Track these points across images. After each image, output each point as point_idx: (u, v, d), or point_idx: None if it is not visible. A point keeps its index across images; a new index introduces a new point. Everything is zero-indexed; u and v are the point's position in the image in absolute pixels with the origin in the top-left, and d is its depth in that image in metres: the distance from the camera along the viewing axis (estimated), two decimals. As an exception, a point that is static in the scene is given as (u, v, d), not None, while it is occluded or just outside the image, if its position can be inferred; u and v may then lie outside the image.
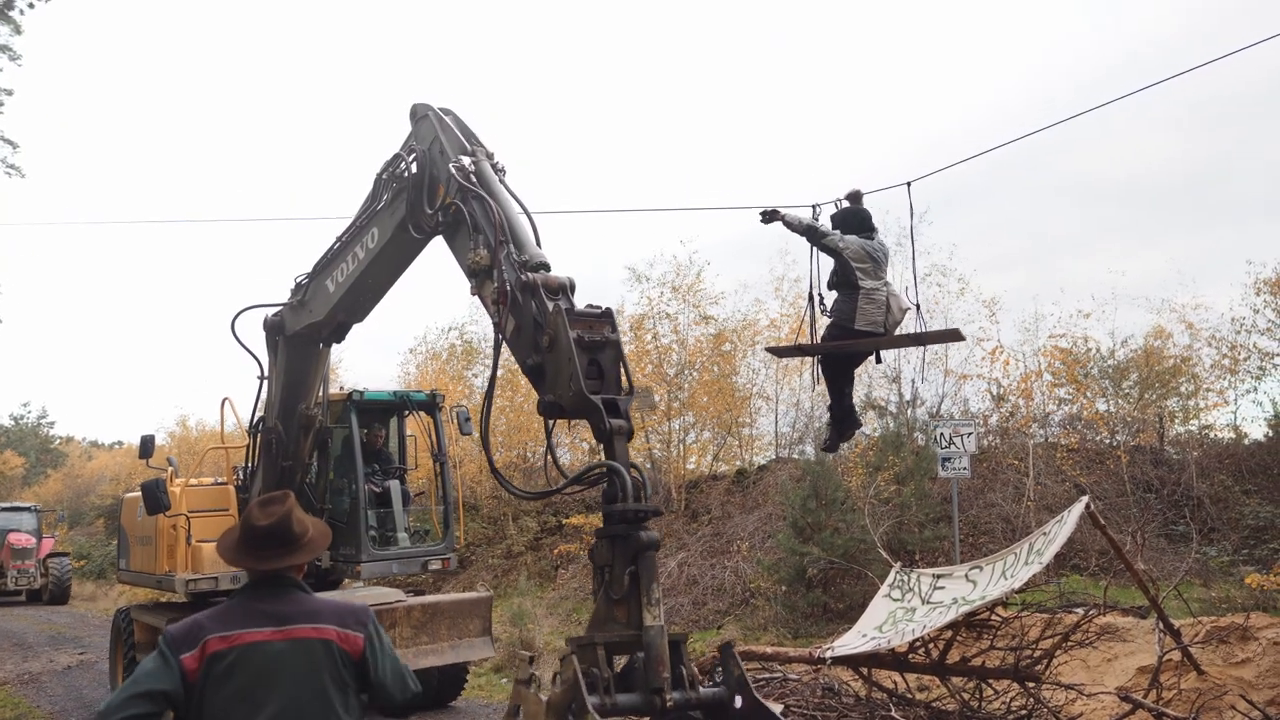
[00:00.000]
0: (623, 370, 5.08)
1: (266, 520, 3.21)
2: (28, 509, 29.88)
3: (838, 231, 7.27)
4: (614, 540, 4.59)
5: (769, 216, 7.33)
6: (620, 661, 4.54)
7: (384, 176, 7.15)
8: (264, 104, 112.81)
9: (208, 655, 3.01)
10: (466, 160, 6.15)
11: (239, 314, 8.99)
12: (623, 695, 4.29)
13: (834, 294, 7.34)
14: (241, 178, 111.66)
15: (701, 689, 4.48)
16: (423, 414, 11.21)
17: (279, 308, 9.06)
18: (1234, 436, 18.14)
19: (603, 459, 4.85)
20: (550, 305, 5.14)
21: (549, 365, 5.07)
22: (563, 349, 4.92)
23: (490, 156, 6.34)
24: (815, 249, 7.47)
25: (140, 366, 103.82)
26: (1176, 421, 18.33)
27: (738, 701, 4.49)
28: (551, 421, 5.34)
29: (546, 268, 5.47)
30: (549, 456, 5.45)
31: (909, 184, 7.59)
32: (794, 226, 7.33)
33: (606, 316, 5.15)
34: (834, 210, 7.58)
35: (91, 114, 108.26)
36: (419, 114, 6.83)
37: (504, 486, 5.78)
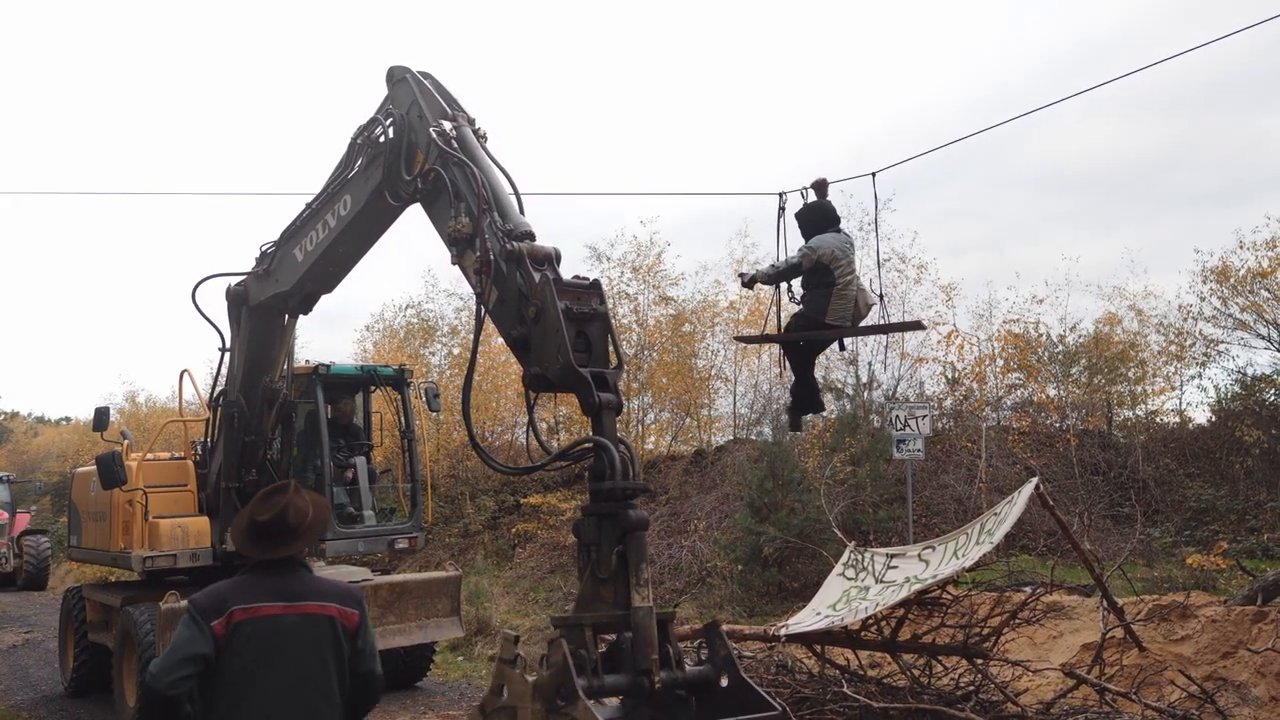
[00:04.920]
0: (611, 343, 4.98)
1: (267, 515, 3.56)
2: None
3: (807, 248, 7.25)
4: (601, 519, 4.51)
5: (749, 283, 7.56)
6: (605, 639, 4.52)
7: (358, 141, 6.94)
8: (222, 67, 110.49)
9: (233, 624, 3.40)
10: (447, 125, 6.00)
11: (200, 283, 8.80)
12: (610, 676, 4.27)
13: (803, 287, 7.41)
14: (193, 145, 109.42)
15: (688, 667, 4.46)
16: (390, 390, 11.05)
17: (243, 277, 8.83)
18: (1179, 421, 18.59)
19: (585, 433, 4.80)
20: (536, 275, 5.01)
21: (535, 337, 4.95)
22: (550, 320, 4.80)
23: (471, 122, 6.19)
24: (784, 237, 7.55)
25: (87, 341, 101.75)
26: (1124, 407, 18.75)
27: (724, 680, 4.49)
28: (533, 396, 5.19)
29: (531, 237, 5.34)
30: (529, 431, 5.36)
31: (874, 174, 7.66)
32: (770, 278, 7.41)
33: (595, 288, 5.05)
34: (799, 200, 7.62)
35: (32, 77, 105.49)
36: (396, 77, 6.64)
37: (486, 461, 5.69)
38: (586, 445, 4.75)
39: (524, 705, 4.10)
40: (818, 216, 7.39)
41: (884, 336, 18.04)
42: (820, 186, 7.56)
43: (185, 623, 3.42)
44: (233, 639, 3.38)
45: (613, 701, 4.38)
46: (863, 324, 7.47)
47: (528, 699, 4.07)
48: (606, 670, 4.29)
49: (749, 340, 9.29)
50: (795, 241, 7.48)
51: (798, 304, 7.44)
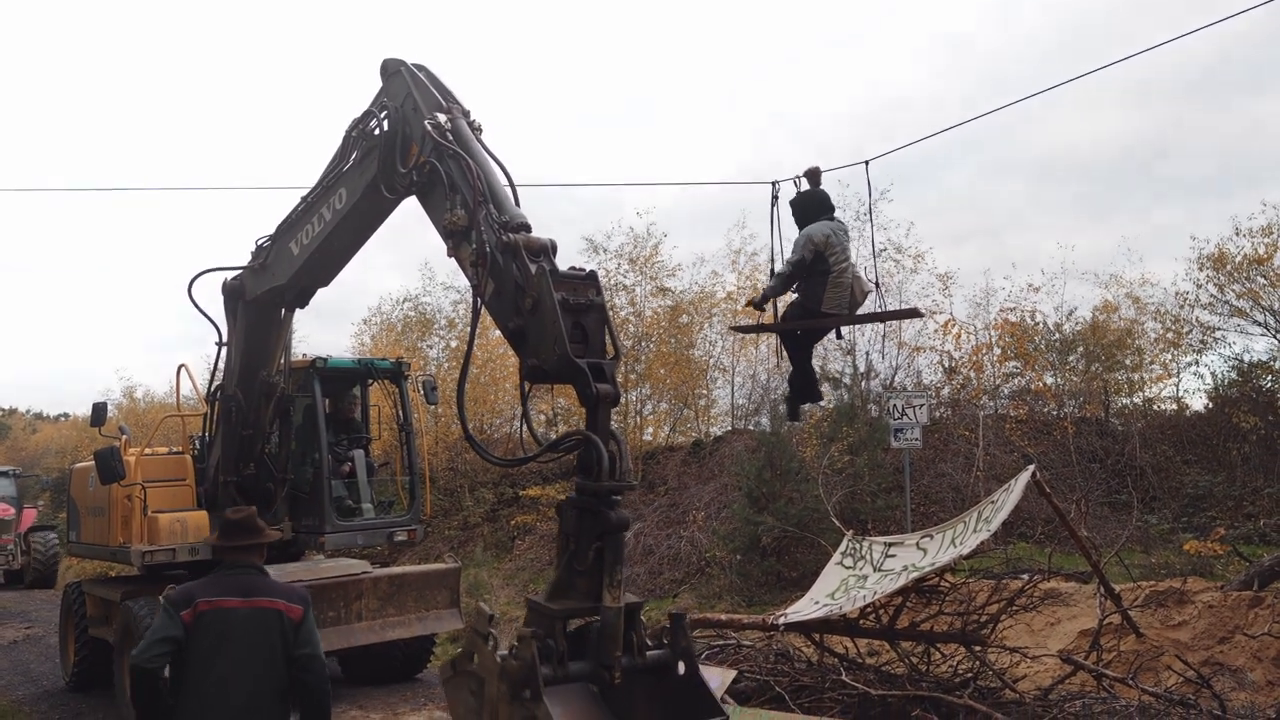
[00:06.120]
0: (608, 334, 4.97)
1: (239, 515, 4.63)
2: (4, 473, 24.87)
3: (803, 237, 7.22)
4: (582, 513, 4.53)
5: (761, 304, 7.49)
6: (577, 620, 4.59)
7: (353, 134, 6.90)
8: (221, 63, 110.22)
9: (198, 613, 4.29)
10: (442, 117, 5.97)
11: (196, 277, 8.76)
12: (575, 664, 4.35)
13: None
14: (188, 141, 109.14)
15: (648, 653, 4.52)
16: (387, 383, 10.99)
17: (239, 272, 8.78)
18: (1176, 408, 18.64)
19: (582, 425, 4.80)
20: (533, 267, 4.99)
21: (531, 329, 4.95)
22: (547, 312, 4.80)
23: (466, 114, 6.15)
24: (778, 227, 7.55)
25: (85, 337, 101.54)
26: (1121, 394, 18.78)
27: (681, 668, 4.55)
28: (528, 387, 5.18)
29: (527, 228, 5.31)
30: (524, 423, 5.35)
31: (867, 163, 7.65)
32: (777, 288, 7.39)
33: (591, 279, 5.03)
34: (793, 189, 7.59)
35: (31, 73, 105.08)
36: (391, 69, 6.60)
37: (479, 453, 5.69)
38: (579, 437, 4.76)
39: (491, 680, 4.20)
40: (811, 205, 7.37)
41: (881, 326, 18.08)
42: (813, 175, 7.53)
43: (161, 613, 4.35)
44: (197, 625, 4.28)
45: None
46: (859, 312, 7.47)
47: (494, 677, 4.17)
48: (573, 654, 4.38)
49: (746, 330, 9.30)
50: (790, 231, 7.48)
51: (794, 293, 7.43)
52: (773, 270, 7.68)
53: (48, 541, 22.72)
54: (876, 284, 7.53)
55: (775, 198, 7.56)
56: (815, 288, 7.16)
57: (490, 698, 4.21)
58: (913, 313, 8.72)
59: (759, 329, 8.54)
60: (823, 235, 7.11)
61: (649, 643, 4.58)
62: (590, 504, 4.54)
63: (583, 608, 4.47)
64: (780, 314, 7.65)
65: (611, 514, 4.48)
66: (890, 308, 10.21)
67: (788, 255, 7.35)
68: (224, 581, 4.46)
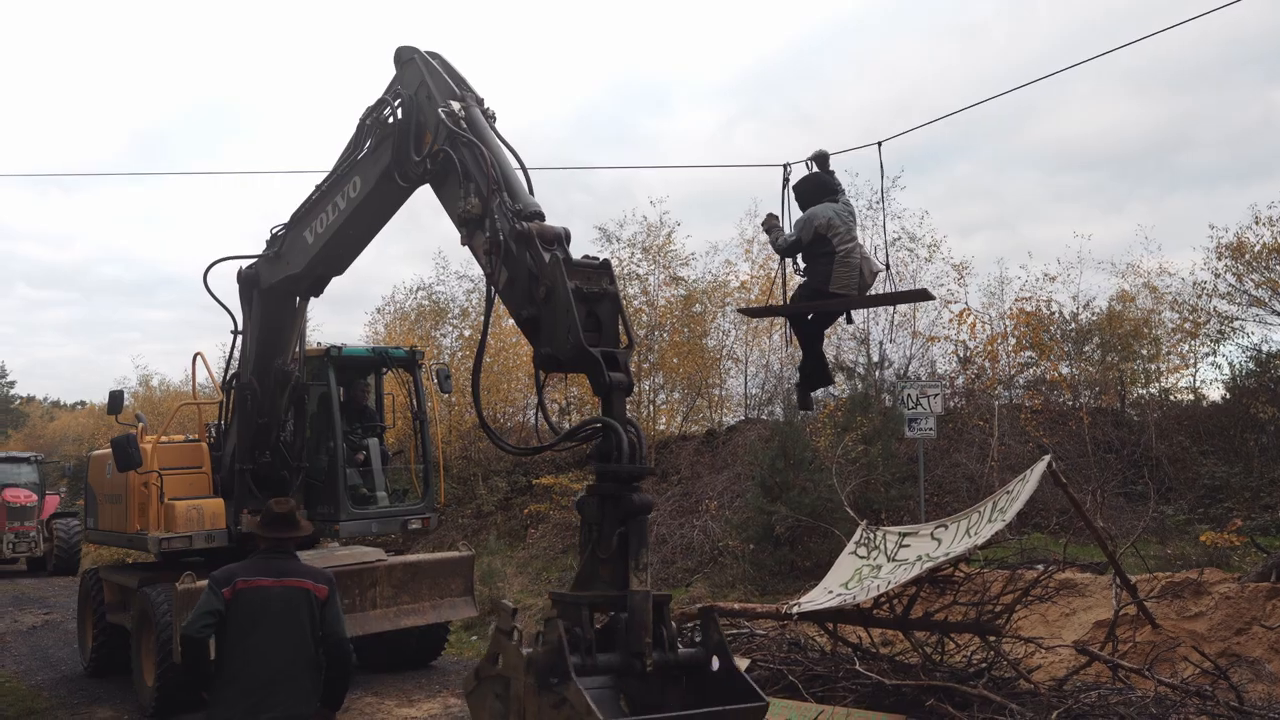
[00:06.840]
0: (621, 323, 4.97)
1: (283, 508, 5.20)
2: (26, 459, 25.04)
3: (802, 219, 7.22)
4: (604, 499, 4.52)
5: (767, 226, 7.52)
6: (603, 615, 4.55)
7: (367, 123, 6.94)
8: (234, 49, 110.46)
9: (237, 590, 4.88)
10: (456, 105, 6.00)
11: (211, 266, 8.86)
12: (603, 655, 4.30)
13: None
14: (199, 129, 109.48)
15: (680, 649, 4.49)
16: (401, 371, 11.06)
17: (254, 260, 8.85)
18: (1193, 399, 18.49)
19: (597, 415, 4.79)
20: (546, 256, 5.00)
21: (545, 317, 4.96)
22: (560, 300, 4.80)
23: (480, 102, 6.18)
24: (790, 209, 7.53)
25: (100, 324, 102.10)
26: (1138, 384, 18.65)
27: (715, 663, 4.52)
28: (542, 376, 5.22)
29: (541, 217, 5.33)
30: (539, 412, 5.36)
31: (880, 144, 7.62)
32: (777, 247, 7.45)
33: (605, 268, 5.04)
34: (805, 171, 7.56)
35: (57, 56, 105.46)
36: (404, 57, 6.64)
37: (494, 442, 5.73)
38: (596, 425, 4.76)
39: (517, 677, 4.16)
40: (814, 188, 7.36)
41: (895, 315, 18.01)
42: (821, 159, 7.51)
43: (206, 590, 4.98)
44: (236, 601, 4.87)
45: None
46: (869, 294, 7.45)
47: (521, 671, 4.13)
48: (601, 648, 4.32)
49: (753, 313, 9.26)
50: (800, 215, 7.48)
51: (802, 276, 7.42)
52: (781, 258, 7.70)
53: (70, 528, 22.58)
54: (887, 266, 7.51)
55: (787, 180, 7.55)
56: (822, 268, 7.15)
57: (516, 695, 4.15)
58: (922, 294, 8.69)
59: (768, 311, 8.51)
60: (824, 217, 7.11)
61: (679, 643, 4.54)
62: (612, 489, 4.52)
63: (608, 596, 4.44)
64: (789, 297, 7.64)
65: (634, 497, 4.47)
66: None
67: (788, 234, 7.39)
68: (260, 564, 5.05)
